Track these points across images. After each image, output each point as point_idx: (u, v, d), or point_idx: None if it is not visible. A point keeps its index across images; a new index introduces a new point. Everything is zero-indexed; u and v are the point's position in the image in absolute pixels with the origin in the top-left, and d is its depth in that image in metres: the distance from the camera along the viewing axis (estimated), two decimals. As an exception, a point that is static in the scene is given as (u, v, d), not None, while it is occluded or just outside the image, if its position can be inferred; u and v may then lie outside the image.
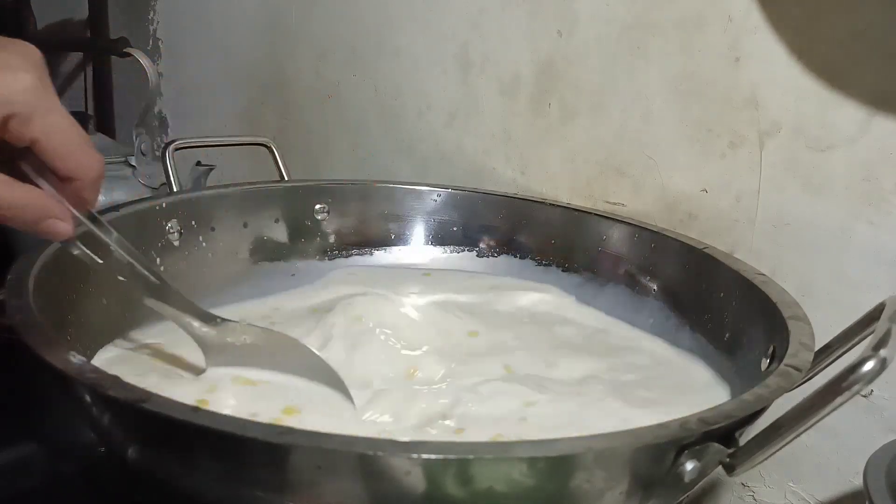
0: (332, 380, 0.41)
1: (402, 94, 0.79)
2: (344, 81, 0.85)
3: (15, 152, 0.32)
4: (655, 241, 0.57)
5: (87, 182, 0.34)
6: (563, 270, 0.63)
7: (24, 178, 0.33)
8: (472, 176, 0.74)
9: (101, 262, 0.38)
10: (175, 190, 0.60)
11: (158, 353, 0.46)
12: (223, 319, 0.41)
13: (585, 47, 0.63)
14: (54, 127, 0.31)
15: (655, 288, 0.57)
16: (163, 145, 0.60)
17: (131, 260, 0.38)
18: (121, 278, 0.38)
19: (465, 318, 0.54)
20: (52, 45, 1.24)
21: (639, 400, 0.44)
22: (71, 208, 0.34)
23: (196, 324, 0.41)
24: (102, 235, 0.37)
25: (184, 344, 0.44)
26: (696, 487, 0.34)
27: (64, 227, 0.34)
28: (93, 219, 0.37)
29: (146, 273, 0.39)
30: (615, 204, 0.64)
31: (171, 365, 0.45)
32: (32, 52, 0.32)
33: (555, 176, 0.68)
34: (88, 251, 0.37)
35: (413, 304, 0.54)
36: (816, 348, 0.39)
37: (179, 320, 0.41)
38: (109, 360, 0.45)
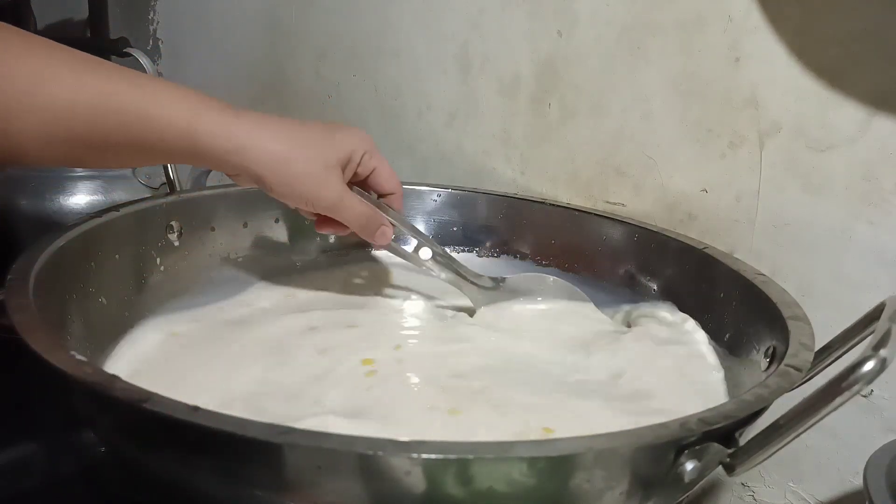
0: (577, 295, 0.56)
1: (402, 94, 0.79)
2: (344, 81, 0.85)
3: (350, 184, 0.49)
4: (655, 241, 0.57)
5: (397, 195, 0.51)
6: (563, 270, 0.63)
7: None
8: (472, 176, 0.74)
9: (410, 251, 0.53)
10: (175, 190, 0.60)
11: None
12: (490, 277, 0.55)
13: (585, 47, 0.63)
14: (383, 162, 0.49)
15: (655, 288, 0.57)
16: (163, 145, 0.60)
17: (431, 247, 0.54)
18: (424, 258, 0.54)
19: None
20: (52, 45, 1.24)
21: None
22: (390, 218, 0.51)
23: (473, 286, 0.54)
24: (406, 231, 0.53)
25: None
26: (696, 487, 0.34)
27: (390, 233, 0.50)
28: (402, 222, 0.52)
29: (438, 250, 0.54)
30: (615, 204, 0.64)
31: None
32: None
33: (555, 176, 0.68)
34: (398, 246, 0.53)
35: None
36: (816, 348, 0.39)
37: (460, 284, 0.54)
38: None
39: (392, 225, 0.51)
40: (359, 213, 0.48)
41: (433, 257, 0.53)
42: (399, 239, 0.53)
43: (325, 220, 0.50)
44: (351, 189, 0.48)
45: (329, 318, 0.54)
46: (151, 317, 0.52)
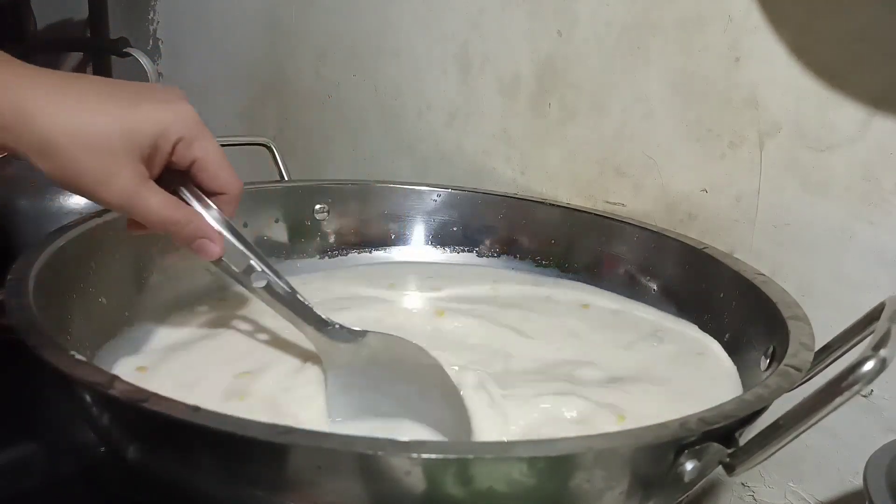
0: (447, 387, 0.40)
1: (402, 94, 0.79)
2: (344, 81, 0.85)
3: (176, 181, 0.39)
4: (655, 241, 0.57)
5: (230, 197, 0.41)
6: (562, 270, 0.63)
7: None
8: (472, 176, 0.74)
9: (239, 272, 0.41)
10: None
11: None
12: (341, 326, 0.42)
13: (585, 47, 0.63)
14: (209, 150, 0.38)
15: (655, 288, 0.57)
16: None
17: (268, 271, 0.42)
18: (257, 286, 0.41)
19: None
20: (52, 45, 1.24)
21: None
22: (222, 230, 0.40)
23: (316, 331, 0.42)
24: (244, 249, 0.41)
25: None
26: (696, 487, 0.34)
27: (214, 248, 0.40)
28: (236, 236, 0.41)
29: (281, 283, 0.42)
30: (615, 204, 0.64)
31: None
32: (180, 92, 0.39)
33: (555, 176, 0.68)
34: (227, 264, 0.41)
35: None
36: (816, 348, 0.39)
37: (301, 327, 0.42)
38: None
39: (226, 238, 0.40)
40: (163, 217, 0.37)
41: (268, 287, 0.41)
42: (235, 255, 0.41)
43: (134, 220, 0.40)
44: (179, 186, 0.39)
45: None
46: (151, 317, 0.52)
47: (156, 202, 0.37)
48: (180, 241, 0.39)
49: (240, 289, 0.44)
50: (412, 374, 0.41)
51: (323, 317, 0.42)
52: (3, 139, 0.34)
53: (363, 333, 0.42)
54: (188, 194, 0.40)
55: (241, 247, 0.41)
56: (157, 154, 0.37)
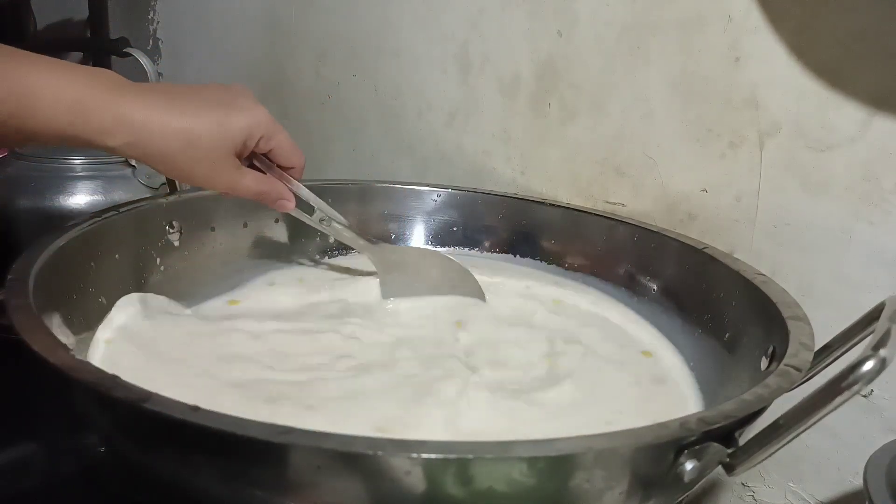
0: (468, 279, 0.59)
1: (402, 94, 0.79)
2: (344, 81, 0.85)
3: (253, 157, 0.50)
4: (655, 241, 0.57)
5: (298, 168, 0.52)
6: (562, 270, 0.63)
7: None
8: (472, 176, 0.74)
9: (310, 216, 0.55)
10: (175, 190, 0.60)
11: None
12: (381, 241, 0.59)
13: (585, 47, 0.63)
14: (283, 140, 0.50)
15: (655, 288, 0.57)
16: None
17: (327, 214, 0.56)
18: (323, 224, 0.56)
19: None
20: (52, 45, 1.24)
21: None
22: (290, 188, 0.52)
23: (369, 246, 0.58)
24: (309, 201, 0.54)
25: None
26: (696, 487, 0.34)
27: (290, 205, 0.52)
28: (302, 192, 0.53)
29: (338, 220, 0.57)
30: (615, 204, 0.64)
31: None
32: (250, 92, 0.49)
33: (555, 176, 0.68)
34: (301, 213, 0.55)
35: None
36: (816, 348, 0.39)
37: (359, 246, 0.58)
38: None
39: (294, 194, 0.53)
40: (255, 191, 0.50)
41: (332, 224, 0.57)
42: (303, 206, 0.54)
43: None
44: (252, 158, 0.50)
45: (326, 321, 0.54)
46: (150, 316, 0.52)
47: (250, 182, 0.49)
48: (266, 203, 0.51)
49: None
50: (438, 267, 0.59)
51: (373, 239, 0.59)
52: (130, 153, 0.43)
53: (403, 247, 0.61)
54: (263, 167, 0.51)
55: (307, 199, 0.54)
56: (245, 149, 0.48)
